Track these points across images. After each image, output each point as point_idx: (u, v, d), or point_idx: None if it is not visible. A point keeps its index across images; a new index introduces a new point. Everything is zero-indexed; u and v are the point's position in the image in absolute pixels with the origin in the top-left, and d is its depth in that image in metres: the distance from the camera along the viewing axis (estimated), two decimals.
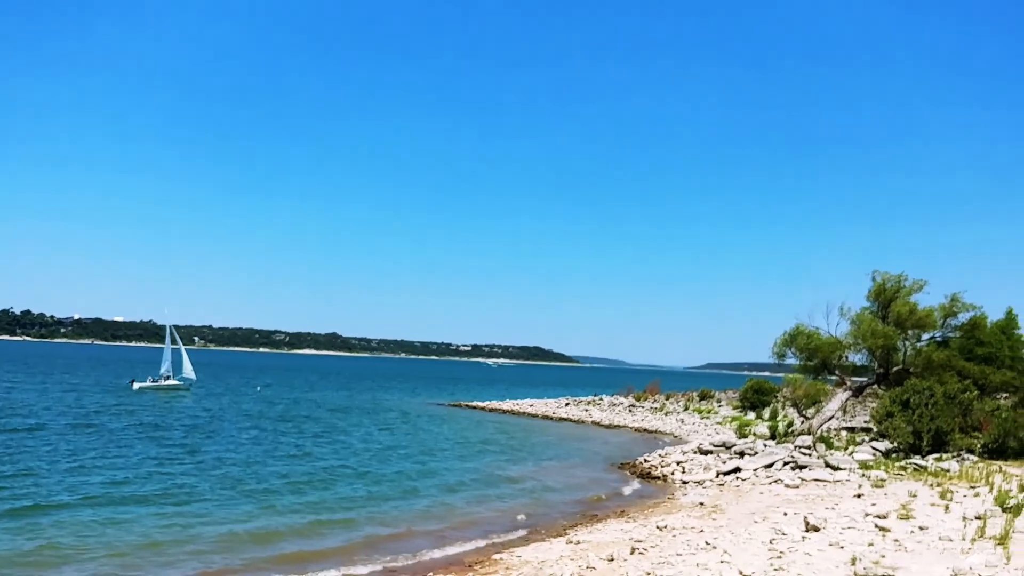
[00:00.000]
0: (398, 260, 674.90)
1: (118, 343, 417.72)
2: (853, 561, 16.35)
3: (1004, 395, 45.30)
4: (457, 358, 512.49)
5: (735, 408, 72.07)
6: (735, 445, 40.08)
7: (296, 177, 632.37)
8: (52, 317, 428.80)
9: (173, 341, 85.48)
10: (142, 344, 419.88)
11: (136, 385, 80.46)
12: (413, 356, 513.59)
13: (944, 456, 34.02)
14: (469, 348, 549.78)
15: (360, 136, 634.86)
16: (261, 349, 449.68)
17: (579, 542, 21.48)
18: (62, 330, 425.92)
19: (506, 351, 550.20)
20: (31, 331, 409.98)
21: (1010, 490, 23.80)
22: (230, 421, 54.64)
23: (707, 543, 19.71)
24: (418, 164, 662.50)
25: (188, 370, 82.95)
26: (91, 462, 33.72)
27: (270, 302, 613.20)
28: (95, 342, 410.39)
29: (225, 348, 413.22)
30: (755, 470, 34.31)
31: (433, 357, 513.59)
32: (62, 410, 55.41)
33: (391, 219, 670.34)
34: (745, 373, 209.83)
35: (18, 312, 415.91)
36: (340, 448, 43.10)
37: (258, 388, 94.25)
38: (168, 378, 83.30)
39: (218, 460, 36.38)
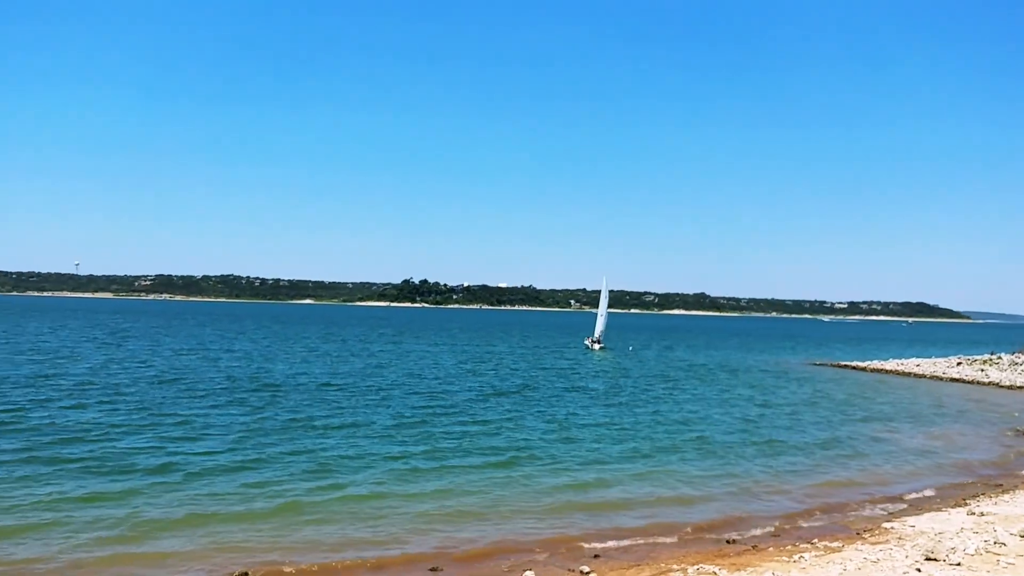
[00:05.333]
0: (766, 217, 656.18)
1: (502, 307, 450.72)
2: None
3: None
4: (832, 316, 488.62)
5: None
6: None
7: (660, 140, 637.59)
8: (445, 285, 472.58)
9: (605, 306, 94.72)
10: (523, 308, 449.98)
11: (597, 346, 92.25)
12: (784, 315, 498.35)
13: None
14: (845, 305, 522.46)
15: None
16: (632, 310, 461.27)
17: (982, 514, 19.80)
18: (454, 297, 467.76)
19: (886, 307, 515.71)
20: (428, 298, 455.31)
21: None
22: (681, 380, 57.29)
23: None
24: None
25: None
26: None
27: (639, 264, 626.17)
28: (482, 307, 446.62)
29: (596, 311, 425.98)
30: None
31: (806, 316, 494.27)
32: (559, 371, 62.72)
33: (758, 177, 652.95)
34: None
35: (417, 281, 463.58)
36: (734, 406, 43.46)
37: (630, 348, 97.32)
38: (597, 340, 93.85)
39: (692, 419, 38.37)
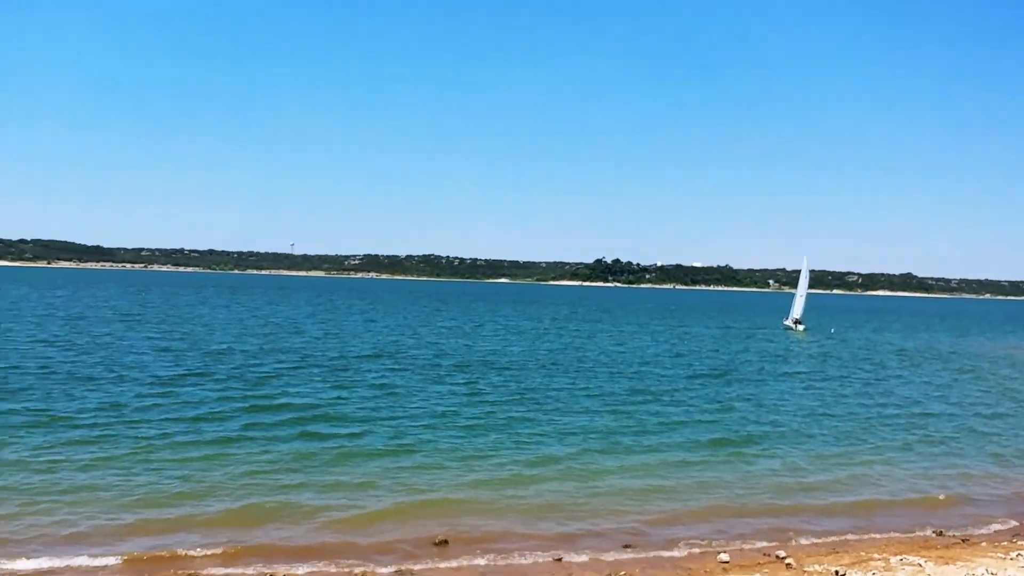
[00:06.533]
0: (980, 190, 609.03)
1: (696, 287, 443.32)
2: None
3: None
4: None
5: None
6: None
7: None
8: (638, 265, 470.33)
9: (804, 286, 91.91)
10: (718, 288, 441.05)
11: (800, 327, 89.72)
12: (1000, 297, 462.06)
13: None
14: None
15: None
16: (833, 291, 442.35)
17: None
18: (647, 276, 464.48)
19: None
20: (620, 278, 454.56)
21: None
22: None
23: None
24: None
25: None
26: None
27: (842, 243, 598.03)
28: (676, 287, 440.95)
29: (793, 291, 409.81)
30: None
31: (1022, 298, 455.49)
32: (762, 353, 61.95)
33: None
34: None
35: (609, 261, 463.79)
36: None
37: (832, 330, 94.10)
38: (798, 321, 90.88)
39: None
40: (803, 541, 17.63)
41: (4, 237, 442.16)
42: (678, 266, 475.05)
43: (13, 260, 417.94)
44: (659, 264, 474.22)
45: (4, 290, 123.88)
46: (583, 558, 16.08)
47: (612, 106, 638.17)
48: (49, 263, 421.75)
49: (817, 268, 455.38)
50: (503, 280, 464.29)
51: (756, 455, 25.54)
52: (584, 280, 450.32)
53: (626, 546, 16.91)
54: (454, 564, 15.48)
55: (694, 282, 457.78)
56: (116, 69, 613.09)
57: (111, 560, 14.82)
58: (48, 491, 18.50)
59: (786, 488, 21.89)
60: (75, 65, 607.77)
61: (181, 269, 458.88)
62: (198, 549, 15.61)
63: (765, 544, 17.30)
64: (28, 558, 14.73)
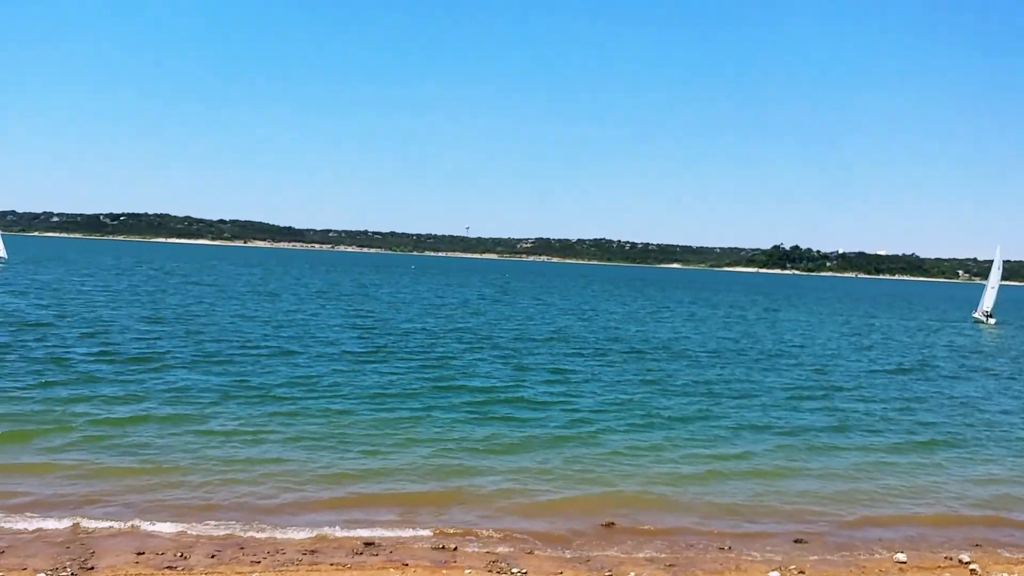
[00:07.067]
0: None
1: (880, 276, 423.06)
2: None
3: None
4: None
5: None
6: None
7: None
8: (818, 252, 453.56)
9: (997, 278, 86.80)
10: (903, 278, 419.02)
11: (991, 320, 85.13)
12: None
13: None
14: None
15: None
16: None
17: None
18: (827, 264, 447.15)
19: None
20: (799, 265, 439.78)
21: None
22: None
23: None
24: None
25: None
26: None
27: None
28: (858, 275, 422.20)
29: (984, 283, 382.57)
30: None
31: None
32: (954, 348, 59.07)
33: None
34: None
35: (788, 247, 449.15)
36: None
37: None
38: (989, 315, 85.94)
39: None
40: (996, 551, 16.45)
41: (206, 217, 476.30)
42: (861, 254, 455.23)
43: (213, 239, 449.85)
44: (840, 251, 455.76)
45: (212, 267, 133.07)
46: (753, 553, 15.73)
47: (794, 81, 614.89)
48: (245, 242, 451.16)
49: (1012, 259, 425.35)
50: (675, 265, 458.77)
51: (959, 459, 23.80)
52: (760, 267, 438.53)
53: (797, 541, 16.44)
54: (626, 553, 15.40)
55: (878, 271, 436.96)
56: (310, 61, 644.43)
57: (298, 534, 15.42)
58: (245, 462, 19.51)
59: (993, 499, 20.28)
60: (262, 57, 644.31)
61: (364, 250, 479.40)
62: (380, 526, 16.06)
63: (944, 544, 16.53)
64: (221, 525, 15.52)
